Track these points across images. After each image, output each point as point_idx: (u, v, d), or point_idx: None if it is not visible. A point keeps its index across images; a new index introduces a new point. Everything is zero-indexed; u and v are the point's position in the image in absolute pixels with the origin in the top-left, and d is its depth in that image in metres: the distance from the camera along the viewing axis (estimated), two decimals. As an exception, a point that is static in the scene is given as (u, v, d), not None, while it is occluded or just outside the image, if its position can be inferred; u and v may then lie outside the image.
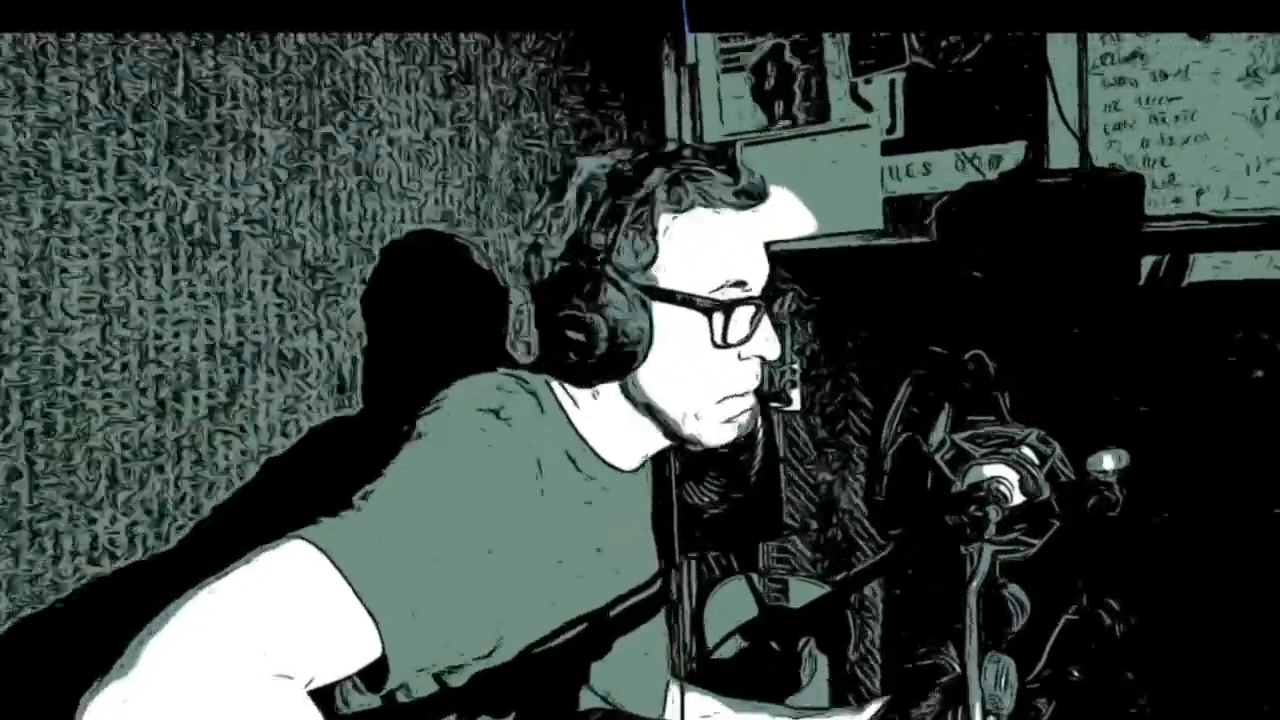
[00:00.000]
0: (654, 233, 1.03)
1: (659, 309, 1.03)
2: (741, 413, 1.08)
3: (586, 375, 1.04)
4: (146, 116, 1.46)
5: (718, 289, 1.04)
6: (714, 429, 1.07)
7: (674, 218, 1.03)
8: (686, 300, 1.02)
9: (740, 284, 1.05)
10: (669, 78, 2.35)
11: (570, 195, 1.04)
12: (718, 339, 1.03)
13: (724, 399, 1.06)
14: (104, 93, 1.42)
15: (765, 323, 1.06)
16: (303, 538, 0.84)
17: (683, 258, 1.03)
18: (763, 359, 1.07)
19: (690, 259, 1.04)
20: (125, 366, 1.44)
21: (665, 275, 1.03)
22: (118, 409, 1.44)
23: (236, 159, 1.57)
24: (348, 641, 0.83)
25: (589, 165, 1.06)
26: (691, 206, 1.04)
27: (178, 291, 1.50)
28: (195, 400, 1.53)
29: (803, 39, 2.18)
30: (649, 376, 1.05)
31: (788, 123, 2.22)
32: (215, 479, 1.55)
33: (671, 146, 1.09)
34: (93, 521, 1.42)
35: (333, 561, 0.82)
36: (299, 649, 0.80)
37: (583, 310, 1.01)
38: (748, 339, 1.04)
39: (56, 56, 1.37)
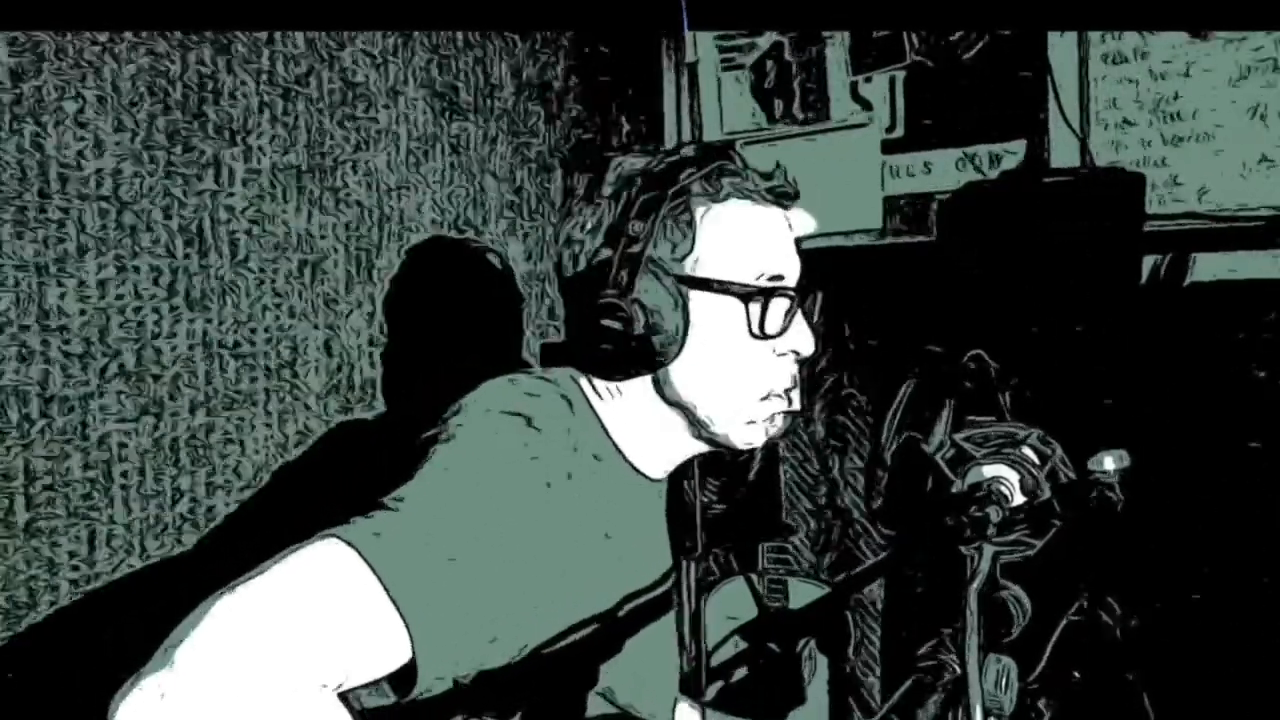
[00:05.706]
0: (690, 222, 1.02)
1: (695, 301, 1.02)
2: (774, 415, 1.06)
3: (620, 367, 1.02)
4: (145, 116, 1.46)
5: (754, 280, 1.03)
6: (744, 429, 1.05)
7: (710, 208, 1.03)
8: (724, 287, 1.01)
9: (776, 277, 1.04)
10: (669, 77, 2.35)
11: (607, 190, 1.04)
12: (754, 328, 1.02)
13: (759, 398, 1.04)
14: (102, 92, 1.42)
15: (800, 318, 1.05)
16: (337, 536, 0.82)
17: (719, 248, 1.03)
18: (798, 354, 1.06)
19: (727, 249, 1.03)
20: (124, 367, 1.44)
21: (702, 265, 1.02)
22: (117, 409, 1.44)
23: (235, 159, 1.57)
24: (378, 646, 0.82)
25: (625, 160, 1.05)
26: (728, 197, 1.04)
27: (175, 291, 1.50)
28: (193, 400, 1.52)
29: (803, 37, 2.18)
30: (682, 371, 1.03)
31: (788, 121, 2.21)
32: (213, 479, 1.55)
33: (706, 143, 1.08)
34: (91, 522, 1.41)
35: (367, 562, 0.81)
36: (332, 653, 0.78)
37: (619, 300, 0.99)
38: (784, 331, 1.03)
39: (54, 55, 1.37)
